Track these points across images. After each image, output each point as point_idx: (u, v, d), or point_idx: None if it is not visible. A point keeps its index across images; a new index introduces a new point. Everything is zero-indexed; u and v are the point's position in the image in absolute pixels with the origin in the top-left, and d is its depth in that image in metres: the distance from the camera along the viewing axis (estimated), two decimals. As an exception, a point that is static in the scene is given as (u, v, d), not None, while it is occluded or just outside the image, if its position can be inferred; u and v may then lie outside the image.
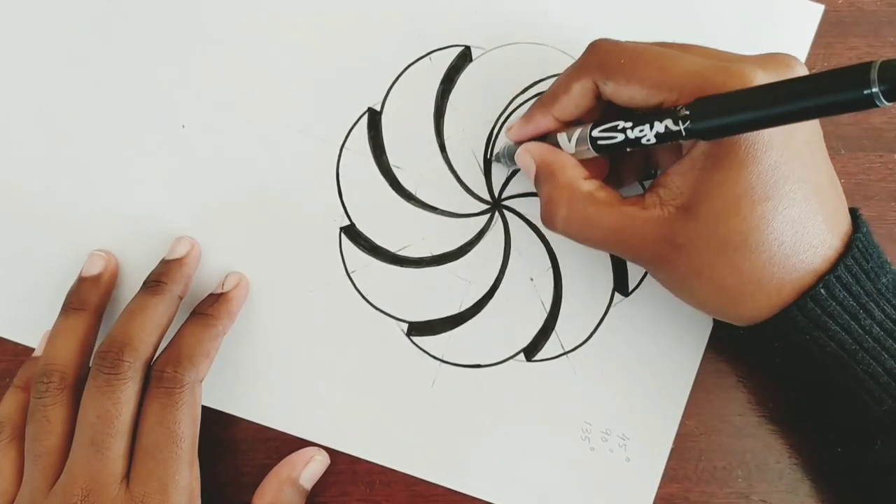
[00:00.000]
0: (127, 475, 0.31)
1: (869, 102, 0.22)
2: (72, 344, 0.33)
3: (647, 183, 0.37)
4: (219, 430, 0.36)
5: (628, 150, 0.30)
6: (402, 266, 0.37)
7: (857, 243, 0.30)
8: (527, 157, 0.33)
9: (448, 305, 0.37)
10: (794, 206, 0.29)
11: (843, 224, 0.31)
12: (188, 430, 0.32)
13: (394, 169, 0.38)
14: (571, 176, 0.32)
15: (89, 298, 0.35)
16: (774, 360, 0.33)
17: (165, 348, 0.33)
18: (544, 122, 0.33)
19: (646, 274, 0.37)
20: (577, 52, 0.33)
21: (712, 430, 0.37)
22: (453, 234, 0.38)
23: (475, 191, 0.38)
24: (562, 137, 0.33)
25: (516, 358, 0.37)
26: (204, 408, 0.33)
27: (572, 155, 0.32)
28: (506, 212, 0.38)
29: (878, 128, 0.39)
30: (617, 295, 0.37)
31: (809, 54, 0.39)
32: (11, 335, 0.37)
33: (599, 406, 0.36)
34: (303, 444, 0.36)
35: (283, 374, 0.37)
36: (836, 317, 0.30)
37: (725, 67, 0.28)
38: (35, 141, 0.38)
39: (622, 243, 0.31)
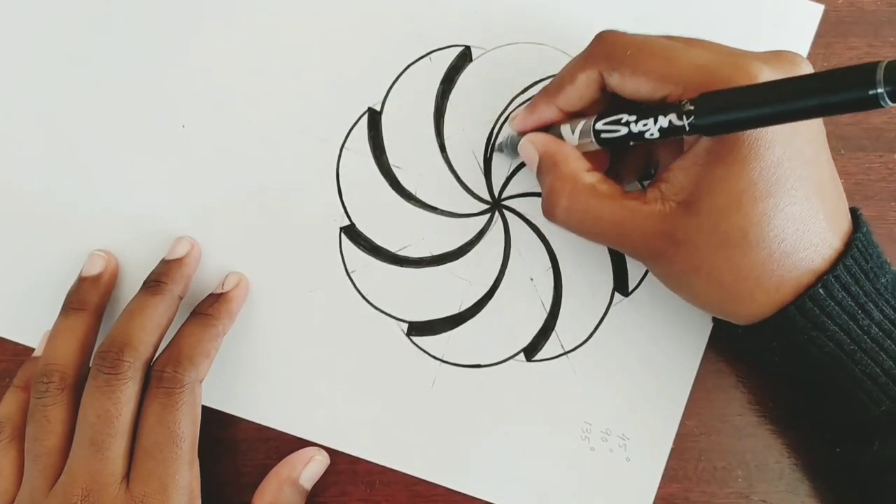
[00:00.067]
0: (127, 475, 0.31)
1: (874, 103, 0.22)
2: (72, 344, 0.33)
3: (646, 183, 0.37)
4: (219, 430, 0.36)
5: (631, 143, 0.30)
6: (402, 266, 0.37)
7: (857, 243, 0.30)
8: (530, 147, 0.33)
9: (448, 305, 0.37)
10: (795, 203, 0.29)
11: (844, 223, 0.31)
12: (188, 430, 0.32)
13: (394, 169, 0.38)
14: (574, 167, 0.32)
15: (89, 298, 0.35)
16: (773, 360, 0.33)
17: (165, 348, 0.33)
18: (548, 113, 0.33)
19: (646, 274, 0.37)
20: (577, 52, 0.33)
21: (712, 430, 0.37)
22: (453, 234, 0.38)
23: (475, 191, 0.38)
24: (565, 129, 0.33)
25: (516, 358, 0.37)
26: (204, 408, 0.33)
27: (575, 147, 0.32)
28: (506, 212, 0.38)
29: (878, 128, 0.39)
30: (617, 295, 0.37)
31: (809, 54, 0.39)
32: (11, 335, 0.37)
33: (599, 406, 0.36)
34: (303, 444, 0.36)
35: (283, 374, 0.37)
36: (835, 317, 0.30)
37: (731, 62, 0.28)
38: (35, 141, 0.38)
39: (622, 237, 0.31)
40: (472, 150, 0.38)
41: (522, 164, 0.38)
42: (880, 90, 0.22)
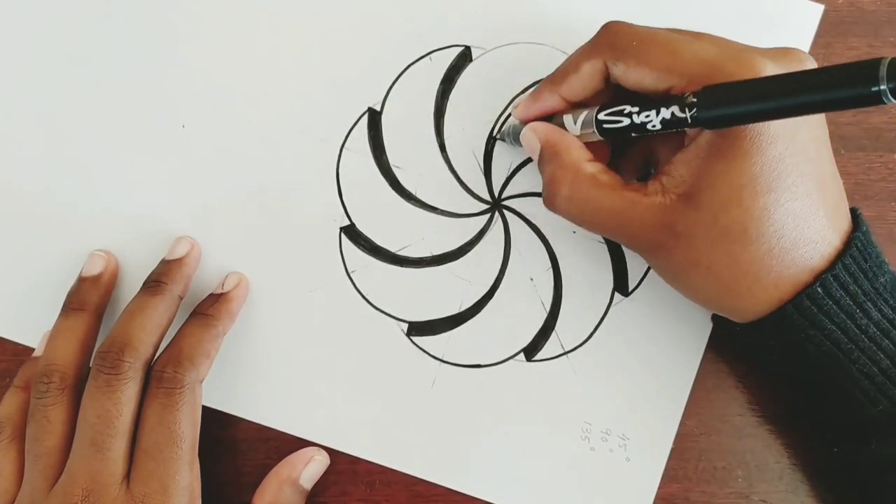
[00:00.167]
0: (127, 475, 0.31)
1: (876, 99, 0.22)
2: (72, 344, 0.33)
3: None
4: (219, 430, 0.36)
5: (633, 135, 0.30)
6: (402, 266, 0.37)
7: (856, 242, 0.30)
8: (532, 136, 0.33)
9: (448, 305, 0.37)
10: (796, 199, 0.29)
11: (844, 222, 0.31)
12: (188, 430, 0.32)
13: (394, 169, 0.38)
14: (576, 157, 0.32)
15: (89, 298, 0.35)
16: (771, 358, 0.33)
17: (166, 348, 0.33)
18: (551, 101, 0.33)
19: (646, 274, 0.37)
20: (577, 52, 0.33)
21: (712, 430, 0.37)
22: (453, 234, 0.38)
23: (475, 191, 0.38)
24: (567, 119, 0.33)
25: (516, 358, 0.37)
26: (204, 408, 0.33)
27: (577, 137, 0.32)
28: (506, 212, 0.38)
29: (878, 128, 0.39)
30: (617, 295, 0.37)
31: (809, 54, 0.39)
32: (11, 335, 0.37)
33: (599, 406, 0.36)
34: (303, 444, 0.36)
35: (283, 374, 0.37)
36: (833, 315, 0.30)
37: (736, 57, 0.28)
38: (35, 141, 0.38)
39: (621, 227, 0.31)
40: (472, 150, 0.38)
41: (522, 165, 0.38)
42: (883, 87, 0.22)
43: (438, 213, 0.38)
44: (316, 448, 0.36)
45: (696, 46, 0.30)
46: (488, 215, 0.38)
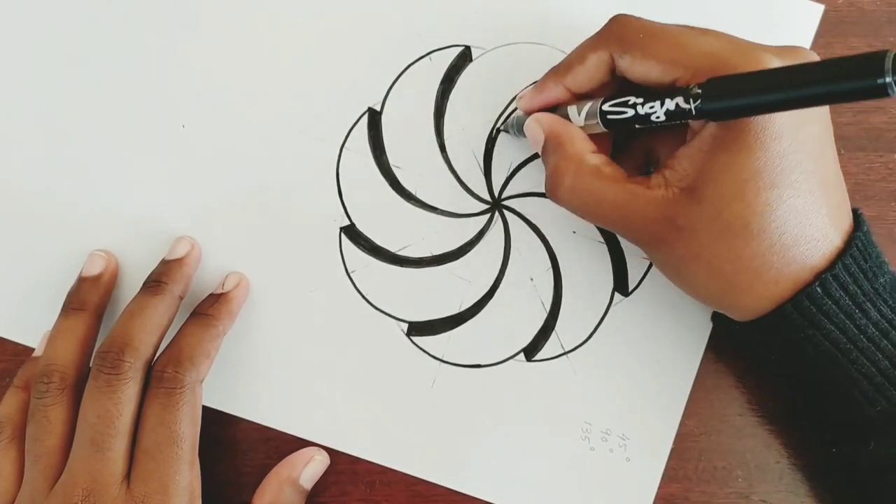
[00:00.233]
0: (127, 475, 0.31)
1: (882, 91, 0.22)
2: (72, 344, 0.33)
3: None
4: (219, 430, 0.36)
5: (637, 127, 0.30)
6: (402, 266, 0.37)
7: (857, 241, 0.30)
8: (535, 126, 0.33)
9: (448, 305, 0.37)
10: (798, 196, 0.29)
11: (845, 221, 0.31)
12: (189, 430, 0.32)
13: (394, 169, 0.38)
14: (580, 148, 0.32)
15: (89, 298, 0.35)
16: (770, 358, 0.33)
17: (166, 349, 0.33)
18: (555, 92, 0.33)
19: (645, 274, 0.37)
20: (578, 52, 0.33)
21: (712, 430, 0.37)
22: (453, 234, 0.38)
23: (475, 191, 0.38)
24: (571, 110, 0.33)
25: (516, 358, 0.37)
26: (204, 408, 0.33)
27: (580, 128, 0.32)
28: (506, 212, 0.38)
29: (878, 128, 0.39)
30: (617, 295, 0.37)
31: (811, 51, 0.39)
32: (11, 335, 0.37)
33: (599, 406, 0.36)
34: (303, 444, 0.36)
35: (283, 374, 0.37)
36: (832, 315, 0.30)
37: (743, 51, 0.28)
38: (35, 141, 0.38)
39: (623, 220, 0.31)
40: (472, 150, 0.38)
41: (522, 165, 0.38)
42: (888, 79, 0.22)
43: (438, 213, 0.38)
44: (316, 448, 0.36)
45: (703, 40, 0.30)
46: (488, 215, 0.38)
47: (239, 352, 0.37)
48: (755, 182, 0.28)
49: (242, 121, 0.38)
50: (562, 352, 0.37)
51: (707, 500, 0.36)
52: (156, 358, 0.33)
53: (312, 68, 0.38)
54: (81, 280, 0.36)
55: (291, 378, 0.37)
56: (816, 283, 0.29)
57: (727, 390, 0.37)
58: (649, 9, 0.38)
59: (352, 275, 0.37)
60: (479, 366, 0.37)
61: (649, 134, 0.34)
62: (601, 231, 0.38)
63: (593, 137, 0.32)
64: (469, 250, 0.38)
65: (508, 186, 0.38)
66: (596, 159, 0.32)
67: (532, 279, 0.37)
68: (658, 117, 0.29)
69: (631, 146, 0.35)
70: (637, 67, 0.30)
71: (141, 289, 0.35)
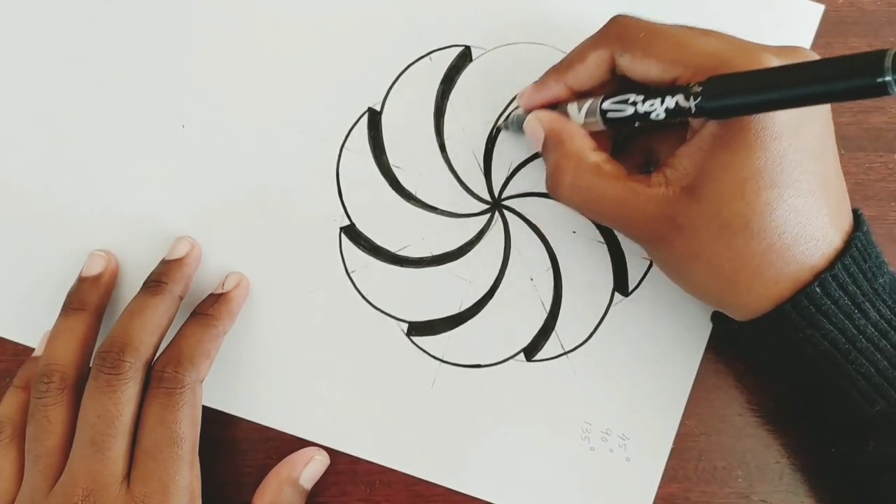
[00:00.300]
0: (128, 475, 0.31)
1: (881, 90, 0.22)
2: (72, 344, 0.33)
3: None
4: (219, 430, 0.36)
5: (637, 125, 0.30)
6: (402, 266, 0.37)
7: (857, 242, 0.30)
8: (536, 124, 0.33)
9: (448, 305, 0.37)
10: (799, 196, 0.29)
11: (845, 221, 0.31)
12: (189, 430, 0.32)
13: (394, 169, 0.38)
14: (580, 146, 0.32)
15: (89, 298, 0.35)
16: (769, 357, 0.33)
17: (166, 349, 0.33)
18: (556, 90, 0.33)
19: (645, 274, 0.37)
20: (578, 52, 0.33)
21: (712, 430, 0.37)
22: (453, 234, 0.38)
23: (475, 191, 0.38)
24: (571, 108, 0.33)
25: (516, 358, 0.37)
26: (204, 408, 0.33)
27: (581, 126, 0.32)
28: (506, 212, 0.38)
29: (878, 128, 0.39)
30: (617, 295, 0.37)
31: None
32: (11, 335, 0.37)
33: (599, 406, 0.36)
34: (303, 444, 0.36)
35: (283, 374, 0.37)
36: (831, 315, 0.30)
37: (744, 51, 0.28)
38: (35, 141, 0.38)
39: (624, 217, 0.31)
40: (472, 150, 0.38)
41: (522, 164, 0.38)
42: (888, 78, 0.22)
43: (438, 213, 0.38)
44: (316, 448, 0.36)
45: (703, 40, 0.30)
46: (488, 215, 0.38)
47: (239, 352, 0.37)
48: (755, 181, 0.28)
49: (242, 121, 0.38)
50: (562, 352, 0.37)
51: (707, 500, 0.36)
52: (156, 358, 0.33)
53: (312, 68, 0.38)
54: (81, 280, 0.36)
55: (291, 378, 0.37)
56: (816, 284, 0.29)
57: (727, 390, 0.37)
58: (649, 8, 0.38)
59: (352, 275, 0.37)
60: (479, 366, 0.37)
61: (650, 132, 0.34)
62: (601, 231, 0.38)
63: (594, 135, 0.33)
64: (469, 250, 0.38)
65: (508, 186, 0.38)
66: (596, 157, 0.32)
67: (532, 279, 0.37)
68: (658, 115, 0.29)
69: (631, 145, 0.35)
70: (637, 66, 0.30)
71: (141, 289, 0.35)
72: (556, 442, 0.36)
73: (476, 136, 0.38)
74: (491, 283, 0.37)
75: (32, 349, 0.37)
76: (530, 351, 0.37)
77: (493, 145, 0.38)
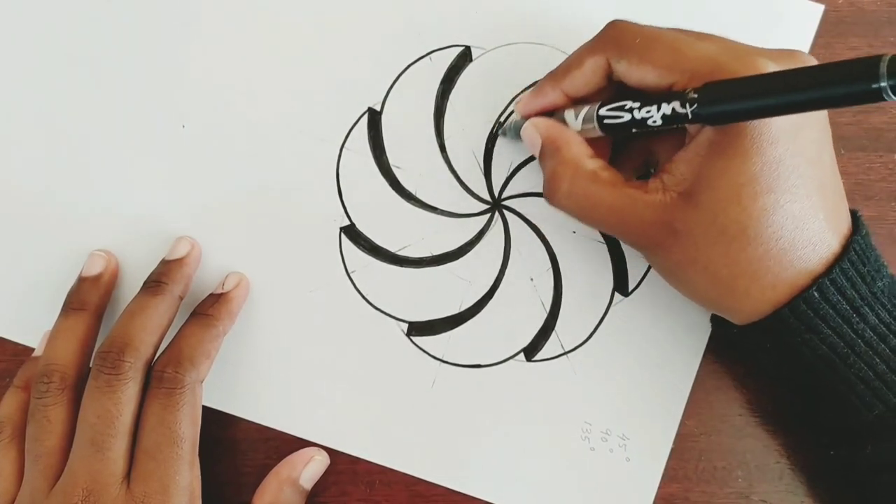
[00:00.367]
0: (128, 475, 0.31)
1: (877, 96, 0.22)
2: (72, 344, 0.33)
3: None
4: (219, 430, 0.36)
5: (634, 131, 0.30)
6: (402, 266, 0.37)
7: (855, 245, 0.30)
8: (533, 131, 0.33)
9: (448, 305, 0.37)
10: (795, 201, 0.29)
11: (843, 225, 0.31)
12: (189, 430, 0.32)
13: (394, 169, 0.38)
14: (577, 152, 0.32)
15: (89, 298, 0.35)
16: (768, 361, 0.33)
17: (166, 349, 0.33)
18: (553, 97, 0.33)
19: (645, 274, 0.37)
20: (578, 52, 0.33)
21: (712, 430, 0.37)
22: (453, 234, 0.38)
23: (475, 191, 0.38)
24: (568, 114, 0.33)
25: (516, 358, 0.37)
26: (204, 408, 0.33)
27: (577, 133, 0.32)
28: (506, 212, 0.38)
29: (878, 128, 0.39)
30: (617, 295, 0.37)
31: (810, 55, 0.39)
32: (11, 335, 0.37)
33: (599, 406, 0.36)
34: (303, 444, 0.36)
35: (283, 374, 0.37)
36: (829, 319, 0.30)
37: (740, 56, 0.28)
38: (35, 141, 0.38)
39: (621, 224, 0.31)
40: (472, 150, 0.38)
41: (522, 165, 0.38)
42: (883, 84, 0.22)
43: (438, 213, 0.38)
44: (316, 448, 0.36)
45: (700, 45, 0.30)
46: (488, 215, 0.38)
47: (239, 352, 0.37)
48: (751, 187, 0.28)
49: (242, 121, 0.38)
50: (562, 352, 0.37)
51: (707, 500, 0.36)
52: (156, 358, 0.33)
53: (312, 68, 0.38)
54: (81, 280, 0.36)
55: (291, 378, 0.37)
56: (814, 288, 0.29)
57: (727, 391, 0.37)
58: (649, 9, 0.38)
59: (352, 275, 0.37)
60: (479, 366, 0.37)
61: (648, 138, 0.34)
62: (601, 231, 0.38)
63: (591, 142, 0.33)
64: (469, 250, 0.38)
65: (508, 186, 0.38)
66: (593, 164, 0.32)
67: (532, 279, 0.37)
68: (654, 122, 0.29)
69: (632, 146, 0.35)
70: (634, 72, 0.30)
71: (141, 289, 0.35)
72: (556, 442, 0.36)
73: (476, 136, 0.38)
74: (491, 283, 0.37)
75: (32, 349, 0.37)
76: (530, 351, 0.37)
77: (493, 145, 0.38)
